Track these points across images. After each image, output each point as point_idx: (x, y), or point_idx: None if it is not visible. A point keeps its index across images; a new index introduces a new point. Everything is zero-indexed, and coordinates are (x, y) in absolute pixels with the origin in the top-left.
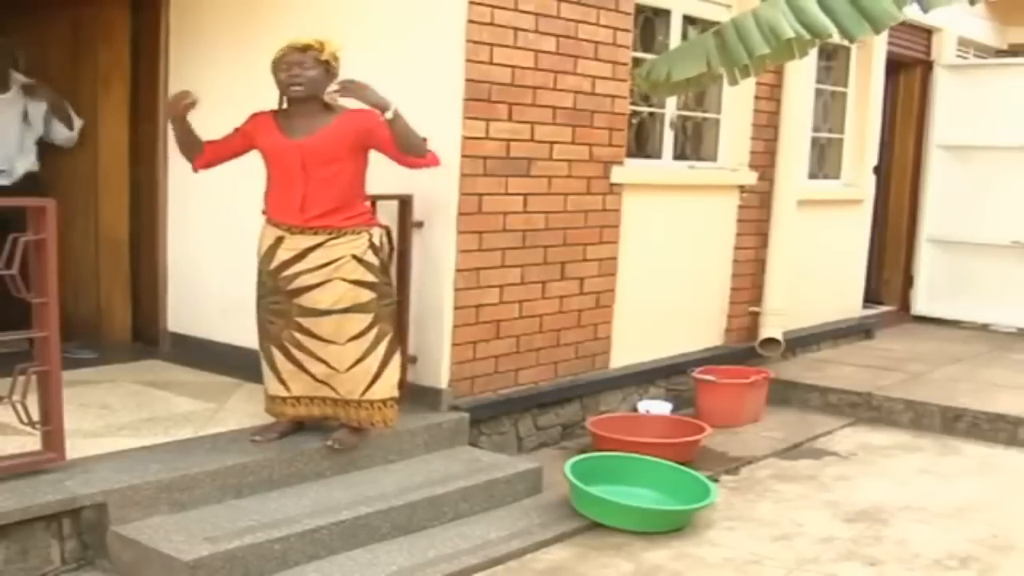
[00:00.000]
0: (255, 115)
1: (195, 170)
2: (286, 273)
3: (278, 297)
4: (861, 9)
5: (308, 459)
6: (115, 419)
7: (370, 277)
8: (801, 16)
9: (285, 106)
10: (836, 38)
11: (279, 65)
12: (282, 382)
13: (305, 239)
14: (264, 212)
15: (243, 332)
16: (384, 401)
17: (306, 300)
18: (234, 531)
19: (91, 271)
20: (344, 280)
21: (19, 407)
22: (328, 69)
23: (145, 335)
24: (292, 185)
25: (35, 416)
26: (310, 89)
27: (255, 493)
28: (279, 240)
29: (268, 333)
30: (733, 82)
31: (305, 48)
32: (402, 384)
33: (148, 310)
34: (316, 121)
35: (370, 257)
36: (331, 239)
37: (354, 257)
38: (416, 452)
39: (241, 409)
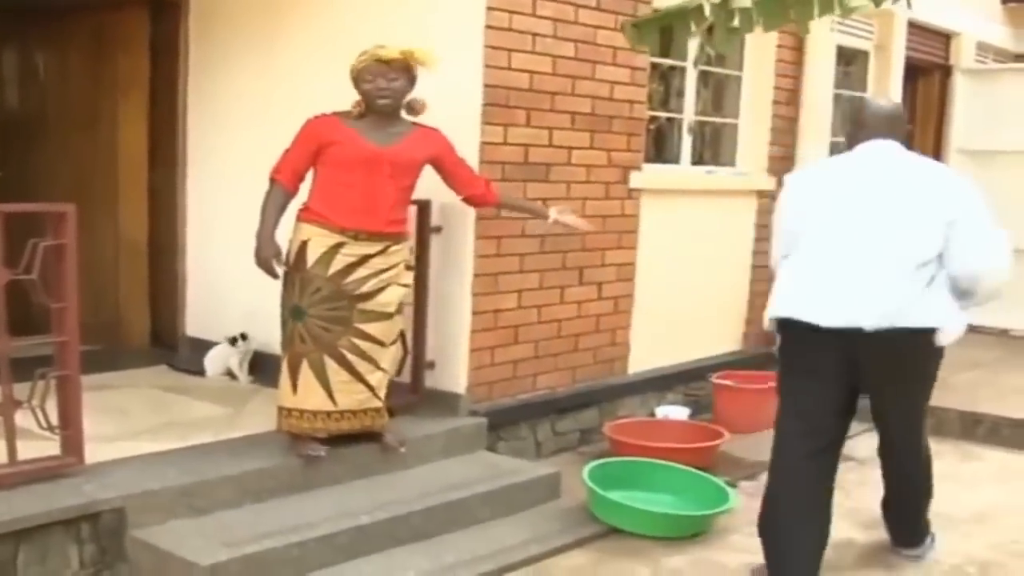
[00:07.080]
0: (318, 122)
1: None
2: (351, 278)
3: (338, 303)
4: None
5: (327, 464)
6: (134, 424)
7: (410, 281)
8: None
9: (359, 111)
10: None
11: (363, 75)
12: (330, 395)
13: (368, 245)
14: (311, 217)
15: (263, 336)
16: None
17: (373, 304)
18: (252, 536)
19: (110, 276)
20: (399, 285)
21: (38, 411)
22: (411, 78)
23: (164, 339)
24: (373, 191)
25: (54, 421)
26: (397, 101)
27: (274, 498)
28: (337, 246)
29: (321, 341)
30: (724, 36)
31: (389, 61)
32: (419, 388)
33: (167, 314)
34: (397, 129)
35: (411, 263)
36: (392, 245)
37: (405, 263)
38: (434, 457)
39: (260, 413)
